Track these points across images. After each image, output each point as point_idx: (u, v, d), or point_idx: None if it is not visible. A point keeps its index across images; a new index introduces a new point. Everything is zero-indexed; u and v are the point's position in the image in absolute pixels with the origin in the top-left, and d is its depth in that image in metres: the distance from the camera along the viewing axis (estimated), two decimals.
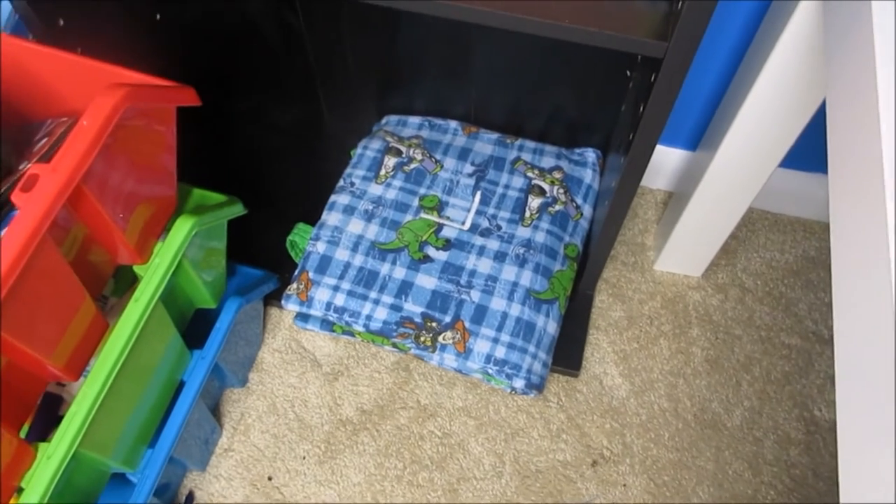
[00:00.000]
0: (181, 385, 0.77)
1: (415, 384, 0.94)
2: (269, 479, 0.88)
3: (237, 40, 0.99)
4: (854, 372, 0.39)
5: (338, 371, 0.95)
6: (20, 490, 0.57)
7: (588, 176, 0.99)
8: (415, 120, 1.05)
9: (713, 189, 0.87)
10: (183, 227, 0.64)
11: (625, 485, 0.88)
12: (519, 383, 0.85)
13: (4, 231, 0.51)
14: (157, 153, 0.61)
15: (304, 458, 0.89)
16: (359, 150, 1.01)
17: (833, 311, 0.42)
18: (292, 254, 0.97)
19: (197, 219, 0.65)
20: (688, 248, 0.98)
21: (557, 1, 0.58)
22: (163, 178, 0.63)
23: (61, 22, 0.66)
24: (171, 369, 0.73)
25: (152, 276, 0.62)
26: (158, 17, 0.86)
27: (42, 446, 0.57)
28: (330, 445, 0.90)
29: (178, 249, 0.63)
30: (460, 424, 0.91)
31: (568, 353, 0.94)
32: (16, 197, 0.47)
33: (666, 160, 1.03)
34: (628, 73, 0.85)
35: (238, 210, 0.74)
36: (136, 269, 0.65)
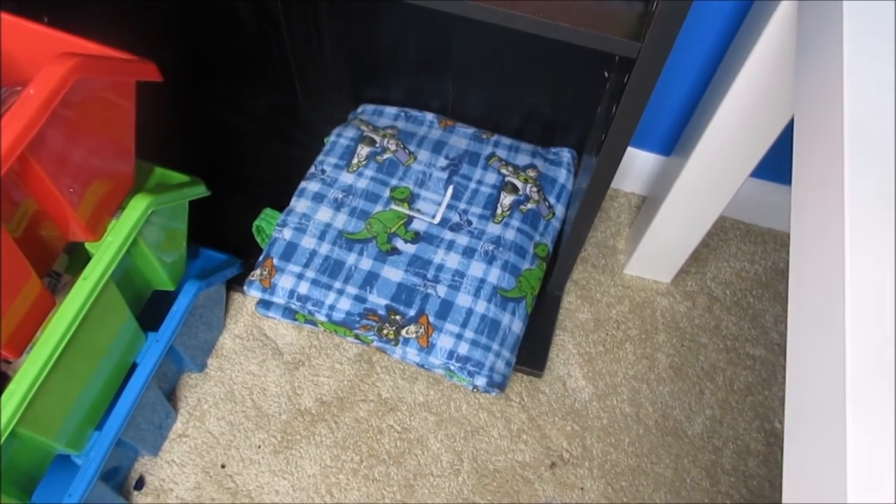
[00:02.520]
0: (134, 367, 0.75)
1: (376, 377, 0.93)
2: (223, 466, 0.87)
3: (214, 23, 0.97)
4: (803, 380, 0.39)
5: (299, 360, 0.93)
6: None
7: (562, 176, 0.98)
8: (391, 110, 1.03)
9: (685, 195, 0.86)
10: (139, 206, 0.63)
11: (582, 488, 0.87)
12: (481, 381, 0.84)
13: None
14: (115, 128, 0.59)
15: (259, 447, 0.88)
16: (332, 138, 0.99)
17: (787, 322, 0.42)
18: (258, 239, 0.95)
19: (154, 198, 0.64)
20: (658, 253, 0.97)
21: None
22: (120, 154, 0.61)
23: None
24: (123, 351, 0.71)
25: (103, 254, 0.60)
26: None
27: None
28: (286, 435, 0.89)
29: (133, 228, 0.62)
30: (420, 420, 0.90)
31: (533, 353, 0.94)
32: None
33: (640, 164, 1.03)
34: (606, 73, 0.85)
35: (200, 191, 0.73)
36: (88, 246, 0.63)
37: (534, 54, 0.90)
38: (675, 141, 0.96)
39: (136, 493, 0.85)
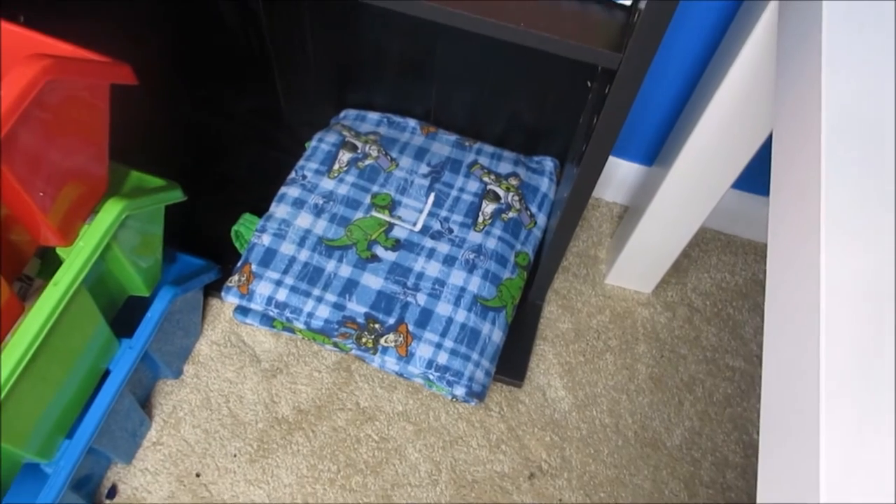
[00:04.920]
0: (107, 374, 0.73)
1: (355, 385, 0.92)
2: (198, 475, 0.85)
3: (196, 23, 0.96)
4: (778, 391, 0.38)
5: (277, 368, 0.92)
6: None
7: (544, 185, 0.98)
8: (373, 116, 1.03)
9: (666, 205, 0.86)
10: (112, 210, 0.61)
11: (561, 499, 0.87)
12: (460, 391, 0.84)
13: None
14: (88, 131, 0.58)
15: (235, 455, 0.87)
16: (313, 143, 0.99)
17: (763, 332, 0.42)
18: (237, 244, 0.94)
19: (128, 202, 0.63)
20: (639, 263, 0.97)
21: (517, 3, 0.57)
22: (93, 157, 0.60)
23: None
24: (95, 357, 0.70)
25: (75, 259, 0.59)
26: None
27: None
28: (263, 444, 0.87)
29: (106, 233, 0.60)
30: (399, 429, 0.89)
31: (512, 363, 0.93)
32: None
33: (622, 173, 1.03)
34: (588, 83, 0.84)
35: (176, 196, 0.72)
36: (60, 251, 0.62)
37: (517, 62, 0.90)
38: (657, 151, 0.96)
39: (107, 501, 0.83)
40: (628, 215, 1.00)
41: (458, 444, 0.89)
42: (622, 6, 0.58)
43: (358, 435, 0.89)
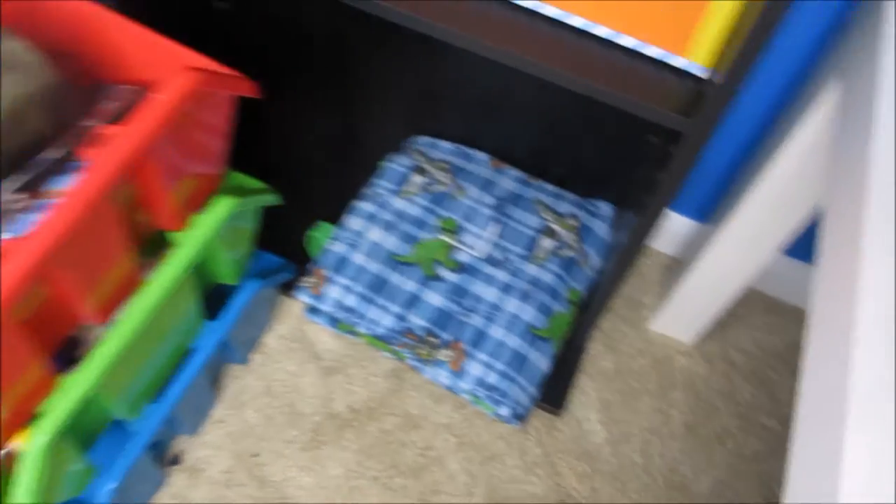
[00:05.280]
0: (189, 351, 0.82)
1: (405, 394, 0.99)
2: (254, 455, 0.93)
3: (286, 40, 1.05)
4: (804, 454, 0.43)
5: (336, 367, 1.00)
6: (33, 419, 0.62)
7: (600, 228, 1.04)
8: (446, 145, 1.10)
9: (714, 263, 0.92)
10: (224, 205, 0.70)
11: None
12: (504, 411, 0.90)
13: (70, 179, 0.57)
14: (211, 134, 0.67)
15: (290, 442, 0.94)
16: (387, 163, 1.07)
17: (797, 396, 0.47)
18: (309, 249, 1.03)
19: (237, 200, 0.71)
20: (683, 314, 1.02)
21: (595, 60, 0.64)
22: (212, 157, 0.69)
23: None
24: (185, 334, 0.78)
25: (188, 244, 0.68)
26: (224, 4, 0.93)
27: (63, 378, 0.62)
28: (316, 435, 0.95)
29: (217, 224, 0.69)
30: (442, 440, 0.96)
31: (554, 392, 0.99)
32: (88, 153, 0.53)
33: (676, 226, 1.08)
34: (652, 137, 0.91)
35: (272, 199, 0.80)
36: (170, 235, 0.70)
37: (586, 110, 0.97)
38: (712, 208, 1.01)
39: (172, 467, 0.91)
40: (677, 267, 1.05)
41: (495, 461, 0.95)
42: (696, 77, 0.64)
43: (404, 440, 0.95)
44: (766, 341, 1.07)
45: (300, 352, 1.01)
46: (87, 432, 0.71)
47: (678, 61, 0.64)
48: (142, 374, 0.74)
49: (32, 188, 0.56)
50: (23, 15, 0.61)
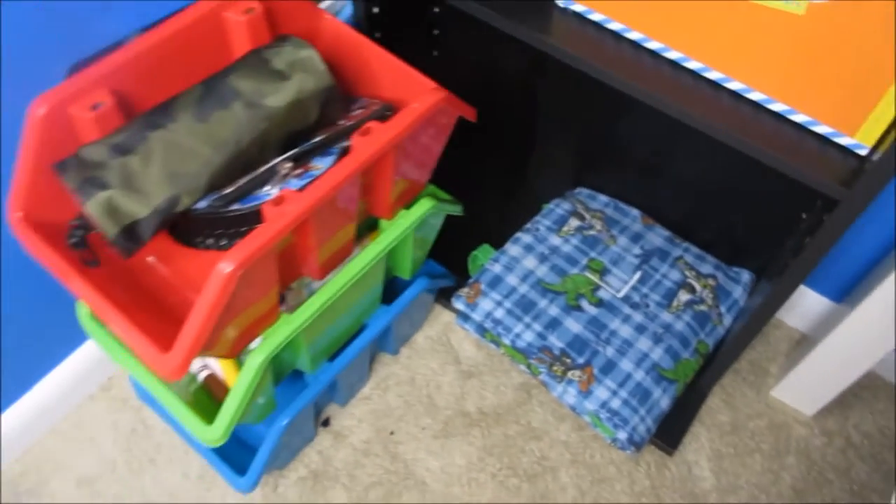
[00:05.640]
0: (363, 327, 0.95)
1: (530, 408, 1.08)
2: (391, 433, 1.05)
3: (485, 87, 1.20)
4: None
5: (472, 372, 1.11)
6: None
7: (737, 292, 1.11)
8: (603, 198, 1.22)
9: (843, 341, 0.97)
10: (425, 204, 0.84)
11: None
12: (622, 435, 0.98)
13: (329, 160, 0.72)
14: (432, 146, 0.82)
15: (423, 428, 1.05)
16: (550, 206, 1.19)
17: None
18: (471, 266, 1.15)
19: (436, 203, 0.85)
20: (806, 386, 1.06)
21: (766, 129, 0.73)
22: (426, 166, 0.84)
23: (375, 10, 0.90)
24: (365, 308, 0.92)
25: (394, 230, 0.82)
26: (435, 53, 1.09)
27: (283, 314, 0.77)
28: (447, 427, 1.06)
29: (418, 218, 0.83)
30: (558, 454, 1.04)
31: (670, 433, 1.05)
32: (355, 139, 0.68)
33: (810, 303, 1.14)
34: (803, 215, 0.98)
35: (458, 210, 0.94)
36: (381, 222, 0.85)
37: (741, 181, 1.06)
38: (848, 289, 1.06)
39: (322, 428, 1.05)
40: (806, 342, 1.10)
41: (604, 483, 1.02)
42: (858, 155, 0.73)
43: (523, 447, 1.04)
44: (889, 427, 1.09)
45: (443, 353, 1.13)
46: (277, 371, 0.85)
47: (844, 140, 0.72)
48: (327, 334, 0.88)
49: (301, 161, 0.72)
50: (311, 32, 0.78)
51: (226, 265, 0.58)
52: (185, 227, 0.70)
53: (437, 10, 1.09)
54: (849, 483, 1.04)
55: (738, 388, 1.12)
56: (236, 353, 0.74)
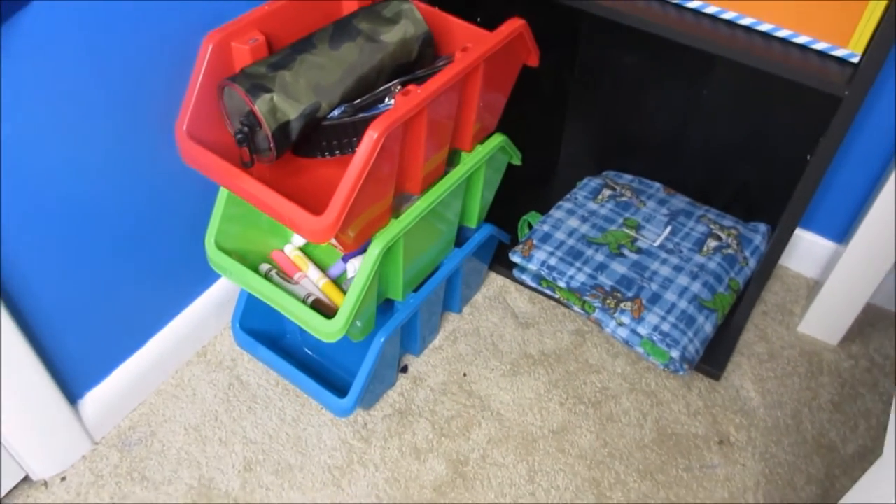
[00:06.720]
0: (439, 267, 1.08)
1: (586, 348, 1.20)
2: (464, 375, 1.15)
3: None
4: None
5: (529, 323, 1.23)
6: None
7: (757, 240, 1.26)
8: (628, 176, 1.38)
9: (844, 275, 1.12)
10: (496, 139, 1.00)
11: (744, 465, 1.06)
12: (675, 353, 1.09)
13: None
14: (503, 87, 0.98)
15: (492, 370, 1.16)
16: (584, 181, 1.35)
17: None
18: (520, 233, 1.30)
19: (505, 138, 1.01)
20: (825, 319, 1.20)
21: (776, 51, 0.91)
22: (496, 109, 1.00)
23: None
24: (442, 248, 1.05)
25: (474, 156, 0.97)
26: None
27: (392, 219, 0.90)
28: (514, 367, 1.16)
29: (493, 147, 0.99)
30: (616, 385, 1.15)
31: (715, 359, 1.17)
32: (457, 54, 0.84)
33: (818, 251, 1.28)
34: (808, 157, 1.15)
35: (517, 159, 1.09)
36: (462, 154, 0.99)
37: (751, 143, 1.23)
38: (848, 228, 1.22)
39: (401, 374, 1.15)
40: (820, 278, 1.24)
41: (662, 405, 1.12)
42: (851, 62, 0.90)
43: (585, 380, 1.15)
44: None
45: (501, 309, 1.25)
46: (377, 291, 0.97)
47: (840, 52, 0.90)
48: (414, 263, 1.00)
49: (405, 87, 0.88)
50: None
51: (373, 131, 0.73)
52: (315, 140, 0.85)
53: None
54: (878, 395, 1.15)
55: (770, 325, 1.25)
56: (357, 246, 0.86)
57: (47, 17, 0.72)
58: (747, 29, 0.94)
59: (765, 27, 0.93)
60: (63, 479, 1.02)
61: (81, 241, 0.90)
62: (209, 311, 1.16)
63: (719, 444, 1.08)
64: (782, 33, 0.92)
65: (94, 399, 1.04)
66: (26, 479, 1.02)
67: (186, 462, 1.05)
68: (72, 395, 1.01)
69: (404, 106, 0.76)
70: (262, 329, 1.10)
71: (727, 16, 0.95)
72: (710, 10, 0.95)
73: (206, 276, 1.15)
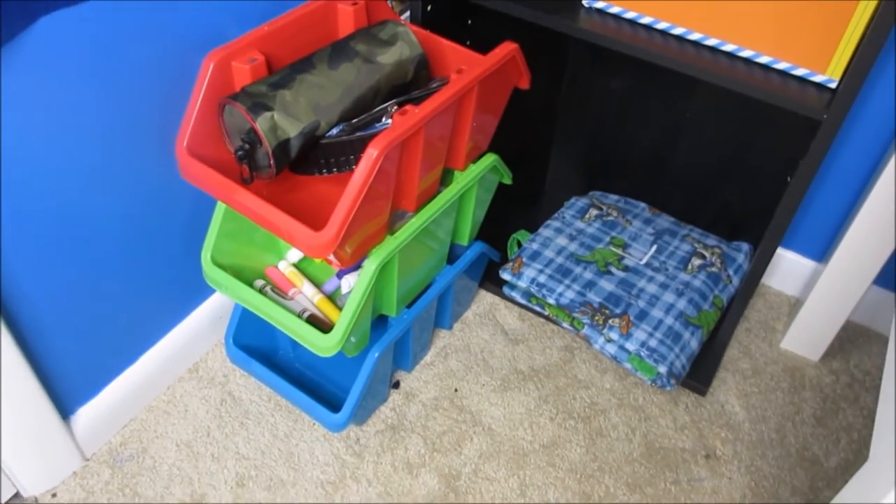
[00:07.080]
0: (431, 283, 1.10)
1: (575, 364, 1.22)
2: (455, 390, 1.17)
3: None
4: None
5: (519, 339, 1.25)
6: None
7: (740, 258, 1.29)
8: (613, 196, 1.42)
9: (823, 294, 1.16)
10: (488, 159, 1.02)
11: (730, 478, 1.08)
12: (662, 369, 1.12)
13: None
14: (495, 108, 1.00)
15: (483, 385, 1.18)
16: (572, 200, 1.38)
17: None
18: (509, 249, 1.32)
19: (496, 157, 1.04)
20: (806, 336, 1.23)
21: (757, 77, 0.95)
22: (488, 130, 1.02)
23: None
24: (433, 266, 1.07)
25: (467, 174, 0.99)
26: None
27: (388, 236, 0.92)
28: (504, 383, 1.18)
29: (485, 167, 1.01)
30: (605, 400, 1.17)
31: (700, 376, 1.19)
32: (452, 76, 0.87)
33: (800, 270, 1.32)
34: (788, 179, 1.19)
35: (508, 178, 1.12)
36: (455, 173, 1.02)
37: (733, 165, 1.27)
38: (827, 248, 1.26)
39: (393, 390, 1.16)
40: (801, 296, 1.27)
41: (650, 420, 1.15)
42: (829, 88, 0.94)
43: (574, 395, 1.17)
44: (883, 365, 1.25)
45: (491, 326, 1.27)
46: (371, 306, 0.99)
47: (818, 77, 0.94)
48: (408, 279, 1.02)
49: (401, 107, 0.90)
50: None
51: (373, 149, 0.75)
52: (314, 157, 0.87)
53: (470, 21, 1.30)
54: (860, 410, 1.18)
55: (753, 342, 1.28)
56: (353, 262, 0.88)
57: (50, 35, 0.74)
58: (729, 55, 0.98)
59: (746, 53, 0.97)
60: (54, 495, 1.02)
61: (76, 257, 0.90)
62: (201, 328, 1.17)
63: (706, 458, 1.10)
64: (763, 59, 0.96)
65: (86, 415, 1.04)
66: (17, 495, 1.01)
67: (178, 478, 1.05)
68: (64, 410, 1.01)
69: (403, 125, 0.78)
70: (254, 345, 1.11)
71: (710, 42, 0.98)
72: (694, 36, 0.99)
73: (198, 293, 1.15)
